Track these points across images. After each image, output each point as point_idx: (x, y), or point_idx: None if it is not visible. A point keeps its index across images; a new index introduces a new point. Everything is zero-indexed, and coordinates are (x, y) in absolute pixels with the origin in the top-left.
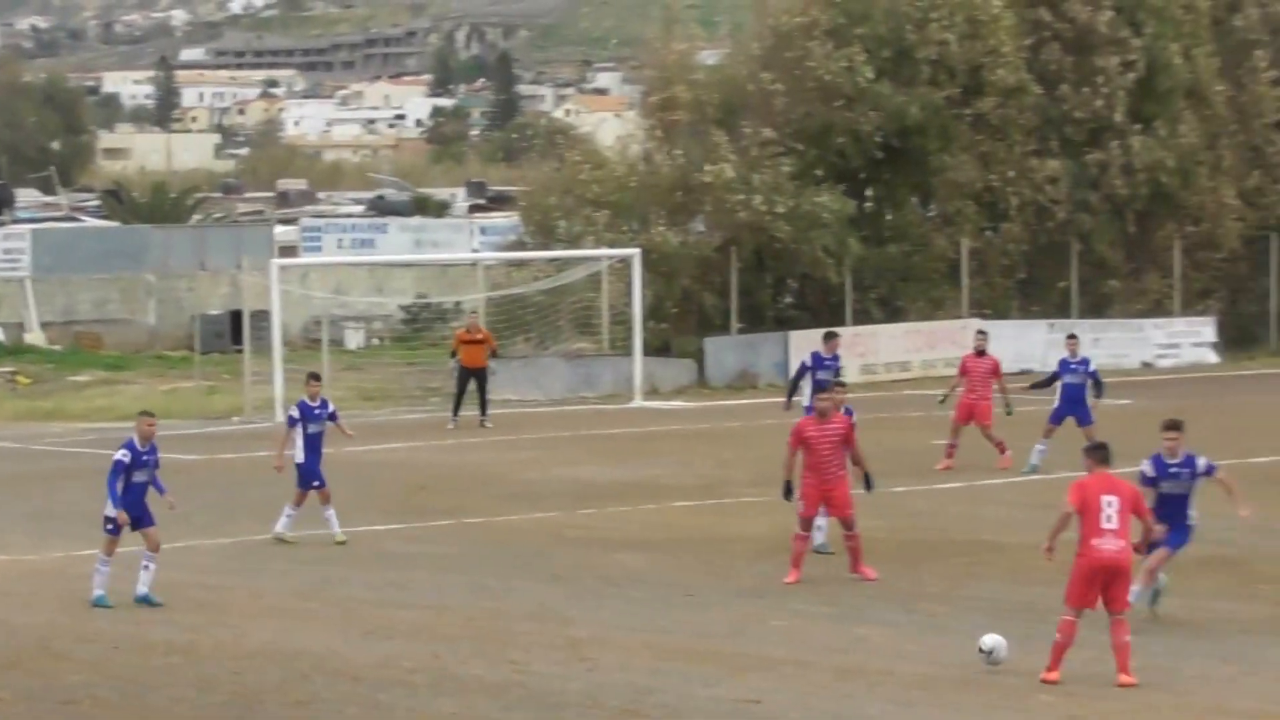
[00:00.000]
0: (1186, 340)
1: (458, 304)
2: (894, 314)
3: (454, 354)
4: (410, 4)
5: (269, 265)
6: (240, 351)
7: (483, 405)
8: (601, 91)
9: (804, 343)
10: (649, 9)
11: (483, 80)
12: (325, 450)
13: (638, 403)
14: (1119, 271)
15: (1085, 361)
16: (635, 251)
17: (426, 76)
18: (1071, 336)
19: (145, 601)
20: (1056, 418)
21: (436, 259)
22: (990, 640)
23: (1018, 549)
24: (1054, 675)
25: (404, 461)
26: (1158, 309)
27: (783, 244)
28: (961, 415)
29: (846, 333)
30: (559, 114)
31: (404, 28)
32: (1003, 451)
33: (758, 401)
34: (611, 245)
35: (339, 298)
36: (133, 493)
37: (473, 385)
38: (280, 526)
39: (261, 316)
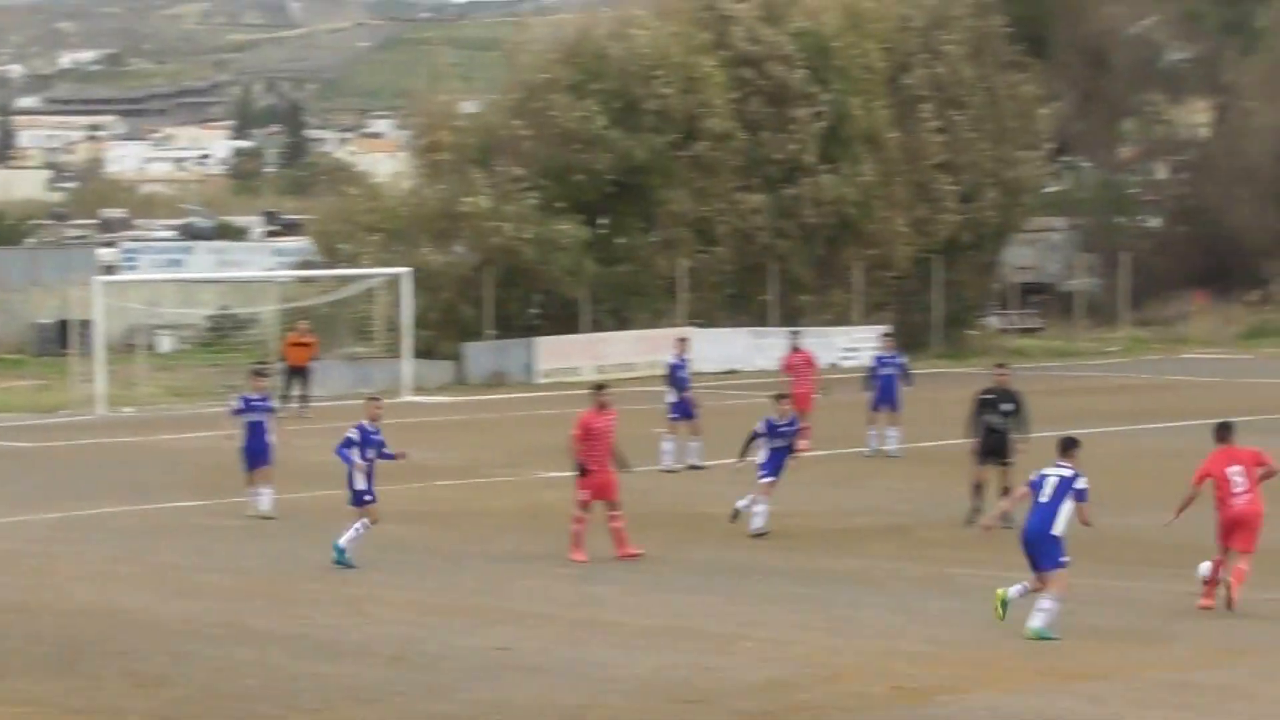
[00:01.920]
0: (865, 345)
1: (255, 315)
2: (623, 323)
3: (283, 357)
4: (214, 60)
5: (93, 281)
6: (68, 355)
7: (304, 398)
8: (377, 135)
9: (549, 347)
10: (417, 66)
11: (276, 125)
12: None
13: (406, 398)
14: (810, 287)
15: (896, 357)
16: (405, 270)
17: (229, 122)
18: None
19: None
20: (875, 405)
21: (237, 276)
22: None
23: (726, 518)
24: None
25: (208, 447)
26: (842, 319)
27: (529, 264)
28: (796, 404)
29: (582, 339)
30: (341, 154)
31: (209, 80)
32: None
33: (508, 397)
34: (385, 264)
35: (153, 309)
36: None
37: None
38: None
39: (86, 325)
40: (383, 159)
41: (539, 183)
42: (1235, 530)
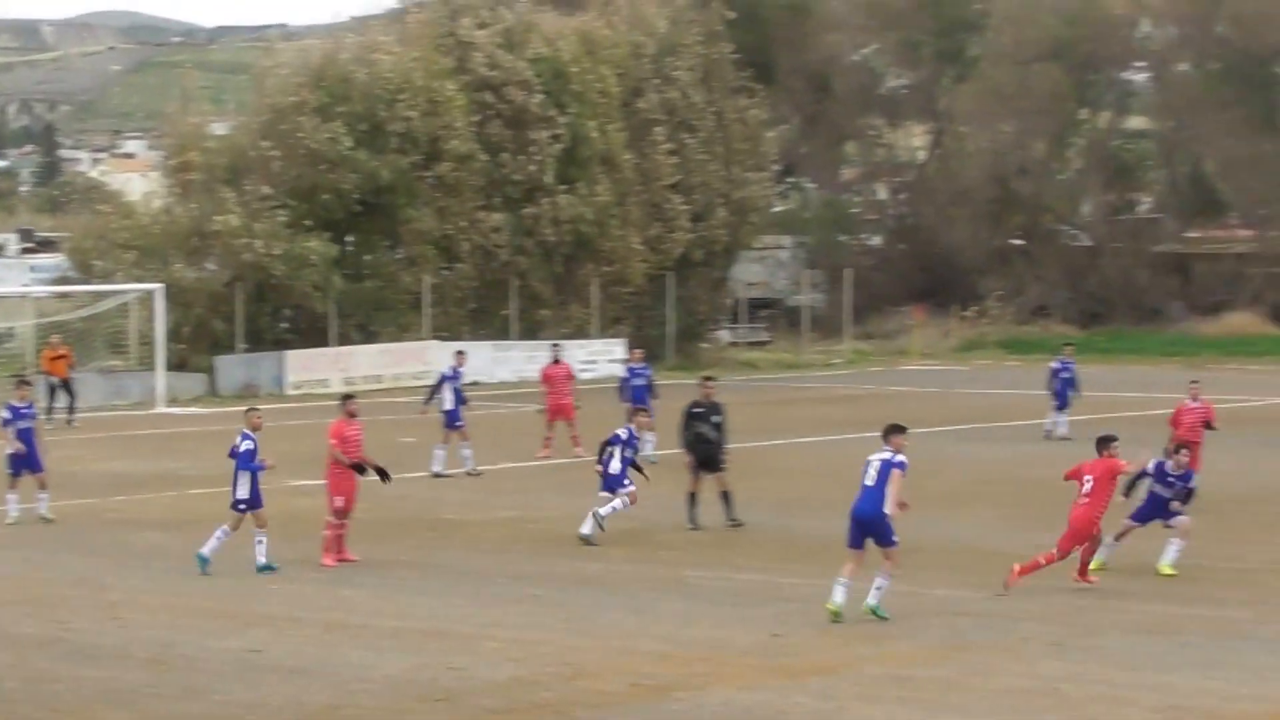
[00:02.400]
0: (603, 357)
1: (11, 329)
2: (370, 337)
3: (44, 371)
4: None
5: None
6: None
7: (71, 409)
8: (130, 156)
9: (298, 360)
10: (169, 89)
11: (31, 145)
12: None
13: (160, 409)
14: (550, 302)
15: (646, 368)
16: (158, 286)
17: None
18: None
19: None
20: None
21: None
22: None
23: (473, 525)
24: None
25: None
26: (580, 332)
27: (279, 280)
28: (552, 414)
29: (330, 352)
30: (95, 174)
31: None
32: (547, 446)
33: (260, 408)
34: (138, 280)
35: None
36: None
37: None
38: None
39: None
40: (135, 178)
41: (287, 202)
42: (1068, 530)
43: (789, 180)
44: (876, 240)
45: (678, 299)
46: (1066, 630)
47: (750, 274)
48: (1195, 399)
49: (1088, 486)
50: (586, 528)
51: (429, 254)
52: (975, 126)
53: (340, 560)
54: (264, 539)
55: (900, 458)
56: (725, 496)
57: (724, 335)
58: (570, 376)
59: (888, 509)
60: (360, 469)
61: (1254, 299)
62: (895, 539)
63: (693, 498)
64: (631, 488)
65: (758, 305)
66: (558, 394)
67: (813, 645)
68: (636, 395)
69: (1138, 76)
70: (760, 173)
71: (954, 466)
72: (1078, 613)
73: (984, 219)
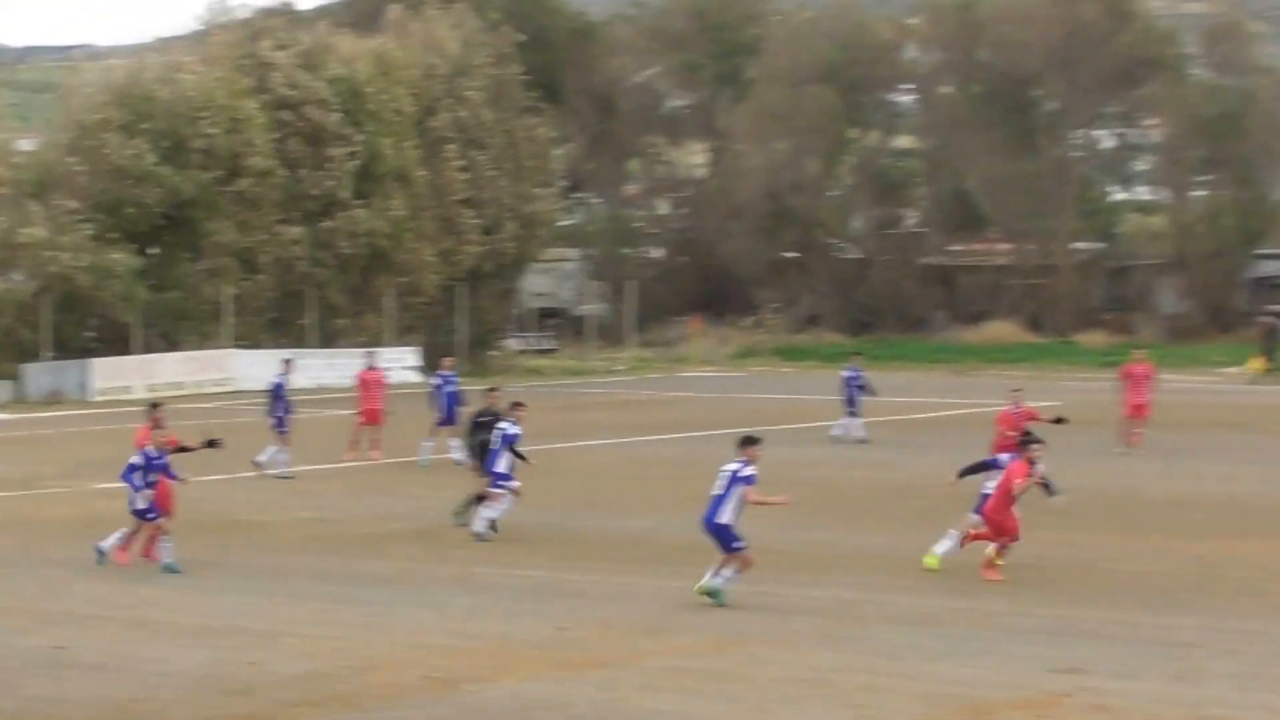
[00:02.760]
0: (398, 364)
1: None
2: (173, 345)
3: None
4: None
5: None
6: None
7: None
8: None
9: (103, 368)
10: None
11: None
12: None
13: None
14: (347, 312)
15: (454, 376)
16: None
17: None
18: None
19: None
20: (442, 420)
21: None
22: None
23: (272, 525)
24: None
25: None
26: (375, 340)
27: (85, 290)
28: (364, 418)
29: (135, 360)
30: None
31: None
32: (354, 449)
33: (66, 414)
34: None
35: None
36: None
37: None
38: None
39: None
40: None
41: (93, 215)
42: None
43: (575, 196)
44: (658, 253)
45: (469, 309)
46: (836, 623)
47: (538, 285)
48: (1018, 405)
49: (996, 481)
50: (479, 526)
51: (230, 265)
52: (751, 145)
53: (146, 556)
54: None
55: (749, 470)
56: (478, 500)
57: (512, 343)
58: (383, 383)
59: (723, 519)
60: (187, 449)
61: (1012, 309)
62: (736, 545)
63: (479, 499)
64: (515, 484)
65: (545, 315)
66: (371, 399)
67: (596, 639)
68: (448, 403)
69: (905, 98)
70: (548, 189)
71: None
72: (846, 606)
73: (760, 233)
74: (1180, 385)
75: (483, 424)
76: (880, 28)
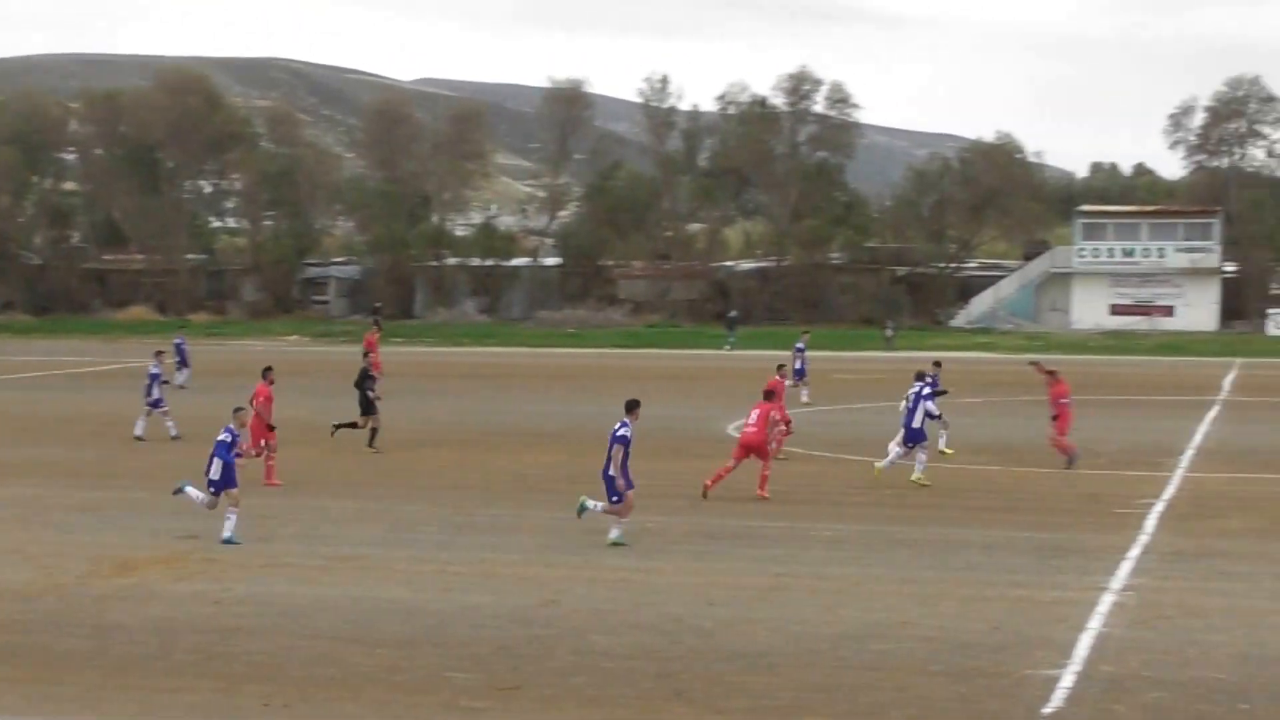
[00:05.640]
0: None
1: None
2: None
3: None
4: None
5: None
6: None
7: None
8: None
9: None
10: None
11: None
12: None
13: None
14: None
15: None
16: None
17: None
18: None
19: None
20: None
21: None
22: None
23: None
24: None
25: None
26: None
27: None
28: None
29: None
30: None
31: None
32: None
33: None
34: None
35: None
36: None
37: None
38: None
39: None
40: None
41: None
42: (743, 449)
43: None
44: None
45: None
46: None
47: None
48: (783, 376)
49: (753, 417)
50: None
51: None
52: None
53: None
54: (234, 516)
55: (623, 433)
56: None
57: None
58: None
59: (612, 471)
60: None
61: (146, 298)
62: (614, 498)
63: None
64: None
65: None
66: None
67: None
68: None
69: (70, 156)
70: None
71: None
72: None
73: None
74: (256, 349)
75: None
76: (51, 107)
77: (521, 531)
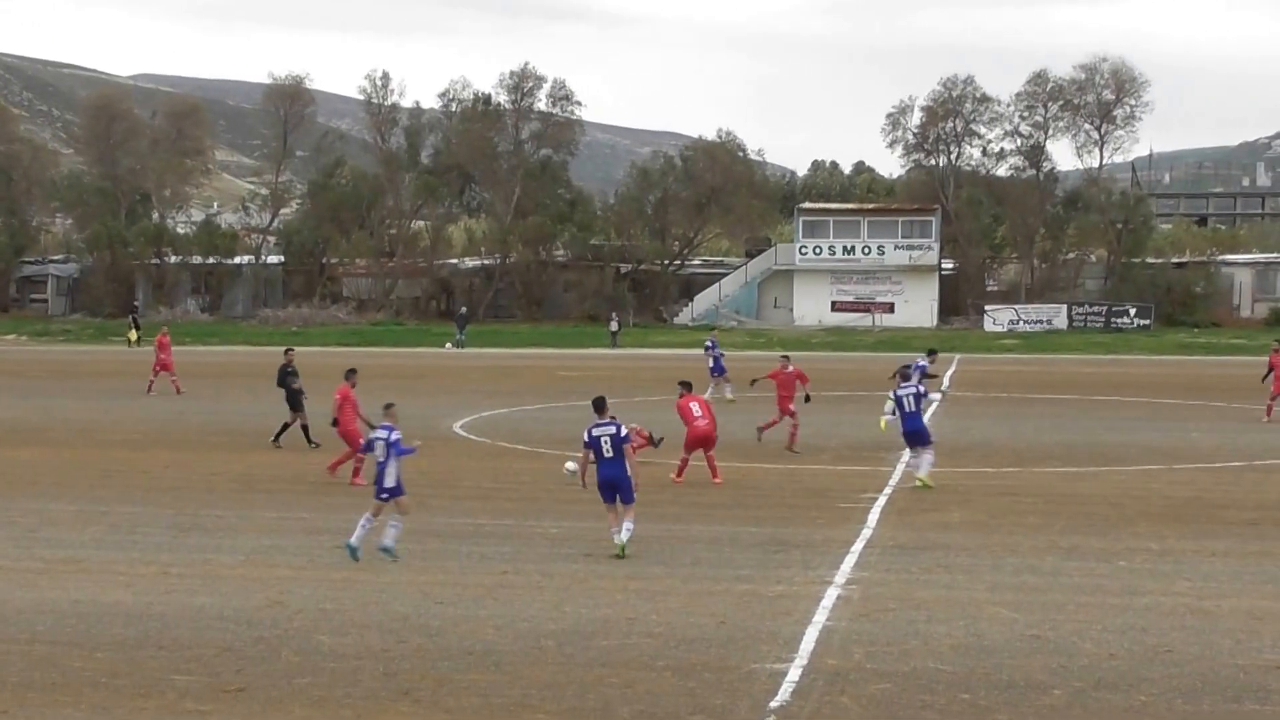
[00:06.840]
0: None
1: None
2: None
3: None
4: None
5: None
6: None
7: None
8: None
9: None
10: None
11: None
12: None
13: None
14: None
15: None
16: None
17: None
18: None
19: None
20: None
21: None
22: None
23: None
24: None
25: None
26: None
27: None
28: None
29: None
30: None
31: None
32: None
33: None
34: None
35: None
36: None
37: None
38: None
39: None
40: None
41: None
42: (697, 442)
43: None
44: None
45: None
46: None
47: None
48: (786, 368)
49: (698, 409)
50: None
51: None
52: None
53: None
54: (399, 525)
55: (624, 432)
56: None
57: None
58: None
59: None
60: None
61: None
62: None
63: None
64: None
65: None
66: None
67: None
68: None
69: None
70: None
71: None
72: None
73: None
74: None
75: None
76: None
77: (245, 532)
